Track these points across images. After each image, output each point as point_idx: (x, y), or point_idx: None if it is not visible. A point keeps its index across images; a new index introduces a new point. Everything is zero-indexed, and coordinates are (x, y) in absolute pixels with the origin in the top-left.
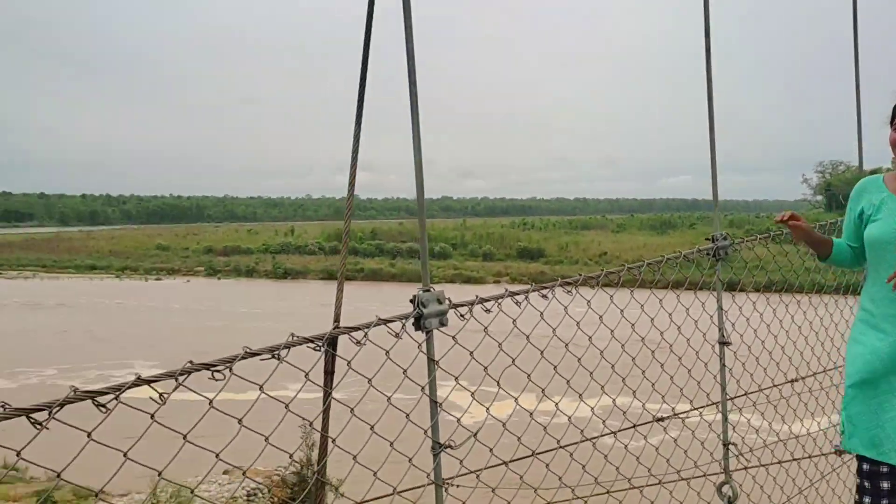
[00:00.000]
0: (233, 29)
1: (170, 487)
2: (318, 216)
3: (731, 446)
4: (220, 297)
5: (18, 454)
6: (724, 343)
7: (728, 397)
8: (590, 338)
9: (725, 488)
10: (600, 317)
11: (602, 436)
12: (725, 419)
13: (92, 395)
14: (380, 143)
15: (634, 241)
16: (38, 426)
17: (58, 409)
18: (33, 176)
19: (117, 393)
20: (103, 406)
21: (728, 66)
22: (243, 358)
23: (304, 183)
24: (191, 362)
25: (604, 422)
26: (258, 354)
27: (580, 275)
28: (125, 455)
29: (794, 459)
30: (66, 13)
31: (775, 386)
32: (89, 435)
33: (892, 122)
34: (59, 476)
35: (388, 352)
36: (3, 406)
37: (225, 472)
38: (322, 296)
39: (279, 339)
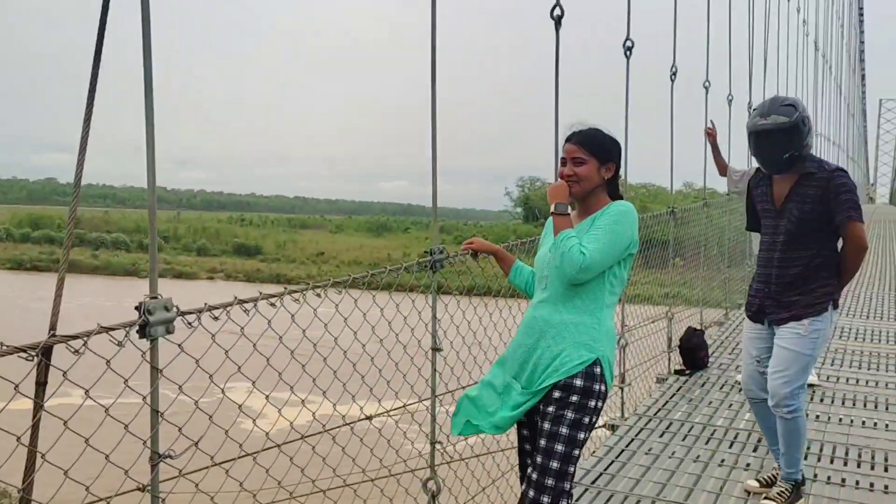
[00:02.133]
0: None
1: None
2: (7, 200)
3: (437, 444)
4: None
5: None
6: (436, 349)
7: (437, 397)
8: (314, 345)
9: (430, 483)
10: (325, 324)
11: (316, 434)
12: (434, 419)
13: None
14: (80, 120)
15: (352, 241)
16: None
17: None
18: None
19: None
20: None
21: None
22: None
23: None
24: None
25: (324, 424)
26: None
27: (307, 283)
28: None
29: (490, 453)
30: None
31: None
32: None
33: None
34: None
35: (108, 361)
36: None
37: None
38: (14, 288)
39: None
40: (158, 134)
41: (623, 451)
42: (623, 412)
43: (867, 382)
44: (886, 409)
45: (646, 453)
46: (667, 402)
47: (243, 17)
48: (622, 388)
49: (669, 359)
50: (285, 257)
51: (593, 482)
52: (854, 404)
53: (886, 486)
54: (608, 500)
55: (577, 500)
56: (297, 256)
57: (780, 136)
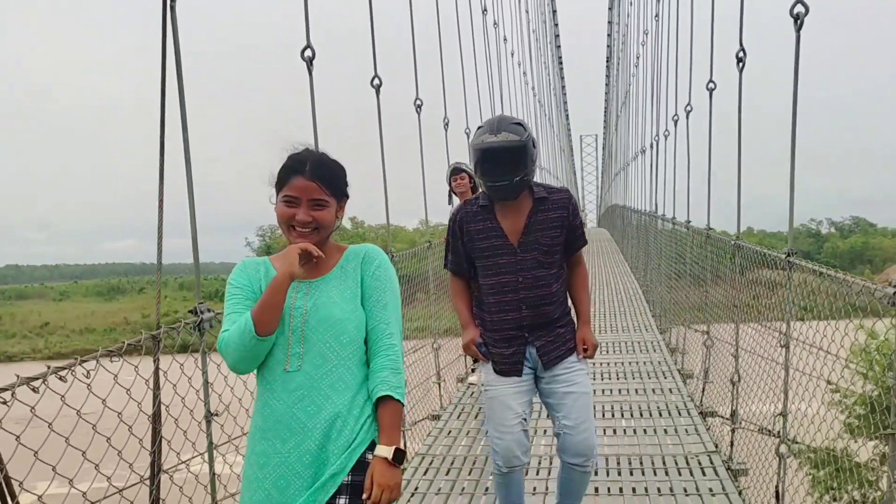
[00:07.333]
0: None
1: None
2: None
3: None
4: None
5: None
6: (210, 416)
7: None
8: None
9: None
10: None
11: None
12: (214, 498)
13: None
14: None
15: (81, 308)
16: None
17: None
18: None
19: None
20: None
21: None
22: None
23: None
24: None
25: None
26: None
27: (76, 359)
28: None
29: None
30: None
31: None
32: None
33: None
34: None
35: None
36: None
37: None
38: None
39: None
40: None
41: (451, 431)
42: (441, 403)
43: (619, 391)
44: (641, 415)
45: (468, 433)
46: (472, 394)
47: None
48: (439, 385)
49: (465, 359)
50: (2, 332)
51: (437, 453)
52: (613, 415)
53: (649, 489)
54: (452, 462)
55: (428, 466)
56: (18, 330)
57: (512, 154)
